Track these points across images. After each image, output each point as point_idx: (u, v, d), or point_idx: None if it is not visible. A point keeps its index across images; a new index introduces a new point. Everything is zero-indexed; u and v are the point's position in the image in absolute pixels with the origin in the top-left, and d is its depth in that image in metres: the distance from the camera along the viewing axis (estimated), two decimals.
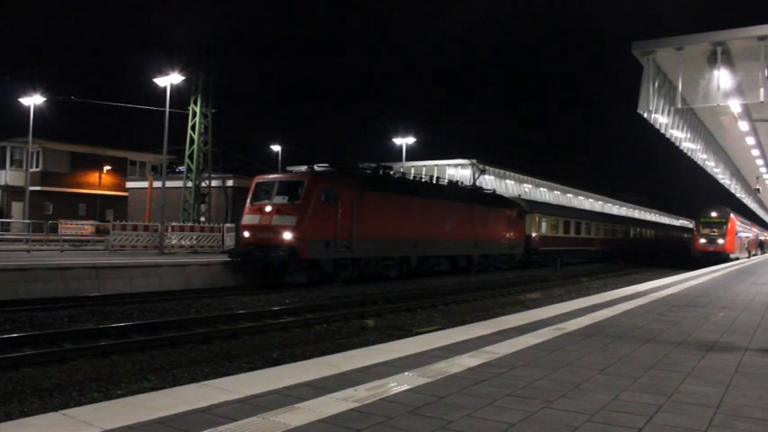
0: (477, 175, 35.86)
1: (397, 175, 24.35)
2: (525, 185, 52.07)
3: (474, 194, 28.66)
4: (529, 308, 13.22)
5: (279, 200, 19.00)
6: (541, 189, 54.65)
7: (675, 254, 60.47)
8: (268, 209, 18.88)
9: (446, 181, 28.45)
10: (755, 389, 4.86)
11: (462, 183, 31.13)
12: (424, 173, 45.67)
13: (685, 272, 24.85)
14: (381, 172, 23.30)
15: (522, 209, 32.39)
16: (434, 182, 26.79)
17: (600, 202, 67.37)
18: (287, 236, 18.12)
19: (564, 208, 46.09)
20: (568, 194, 60.10)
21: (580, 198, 62.88)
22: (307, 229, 18.23)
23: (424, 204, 23.47)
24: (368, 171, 22.79)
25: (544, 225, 35.46)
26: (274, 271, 18.38)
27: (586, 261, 41.47)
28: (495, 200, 30.30)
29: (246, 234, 19.33)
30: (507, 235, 30.06)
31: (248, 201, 19.84)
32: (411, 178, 25.44)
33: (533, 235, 33.76)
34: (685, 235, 74.81)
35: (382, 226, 20.93)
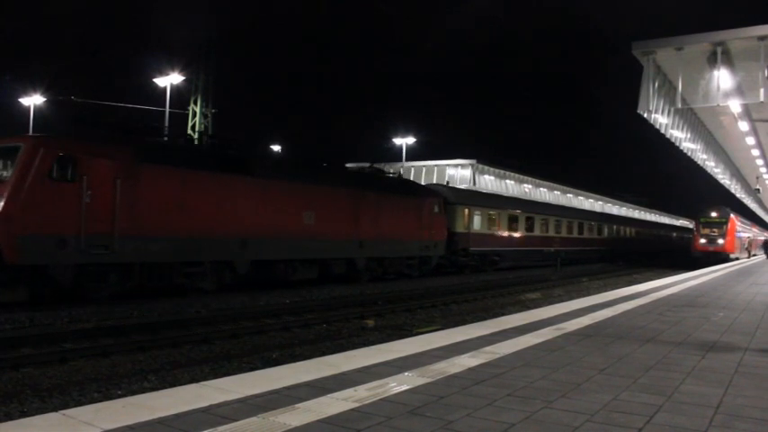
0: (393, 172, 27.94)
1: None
2: (525, 185, 52.10)
3: (362, 178, 21.92)
4: (529, 308, 13.22)
5: None
6: (541, 189, 54.66)
7: (669, 255, 56.16)
8: None
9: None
10: (755, 389, 4.86)
11: (369, 169, 24.25)
12: (423, 173, 45.92)
13: (685, 272, 24.84)
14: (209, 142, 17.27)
15: (446, 199, 25.85)
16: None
17: (600, 203, 67.37)
18: None
19: (509, 199, 37.87)
20: (568, 194, 60.12)
21: (580, 198, 62.88)
22: (17, 217, 12.09)
23: (264, 187, 16.82)
24: (155, 138, 16.27)
25: (478, 220, 28.51)
26: None
27: (543, 264, 35.43)
28: (399, 187, 23.69)
29: None
30: (419, 232, 23.20)
31: None
32: (238, 151, 17.87)
33: (462, 232, 26.92)
34: (674, 234, 73.92)
35: (177, 216, 14.54)
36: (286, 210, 17.47)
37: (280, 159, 20.84)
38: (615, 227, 48.64)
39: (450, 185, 35.18)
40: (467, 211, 27.50)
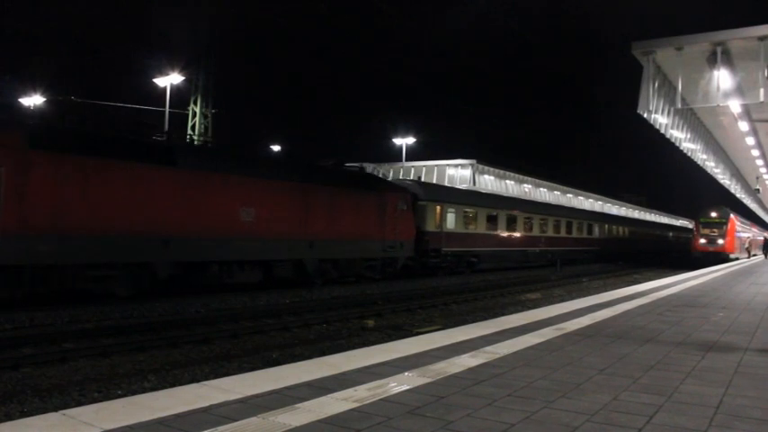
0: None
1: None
2: (525, 186, 52.10)
3: (314, 171, 19.68)
4: (529, 308, 13.23)
5: None
6: (541, 189, 54.67)
7: (665, 256, 55.28)
8: None
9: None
10: (755, 389, 4.86)
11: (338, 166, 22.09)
12: (423, 173, 45.92)
13: (685, 272, 24.85)
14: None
15: (415, 196, 23.93)
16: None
17: (599, 203, 67.38)
18: None
19: (488, 196, 35.21)
20: (568, 194, 60.12)
21: (580, 198, 62.88)
22: None
23: (191, 180, 14.97)
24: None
25: (452, 218, 26.34)
26: None
27: (528, 266, 34.01)
28: (359, 181, 21.42)
29: None
30: (381, 231, 21.08)
31: None
32: (164, 136, 16.60)
33: (433, 231, 24.87)
34: (671, 234, 73.36)
35: (78, 212, 12.74)
36: (219, 205, 15.56)
37: (213, 149, 18.50)
38: (607, 226, 46.91)
39: (423, 181, 33.44)
40: (439, 208, 25.46)
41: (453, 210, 26.45)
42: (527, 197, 46.28)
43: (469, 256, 27.65)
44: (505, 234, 30.92)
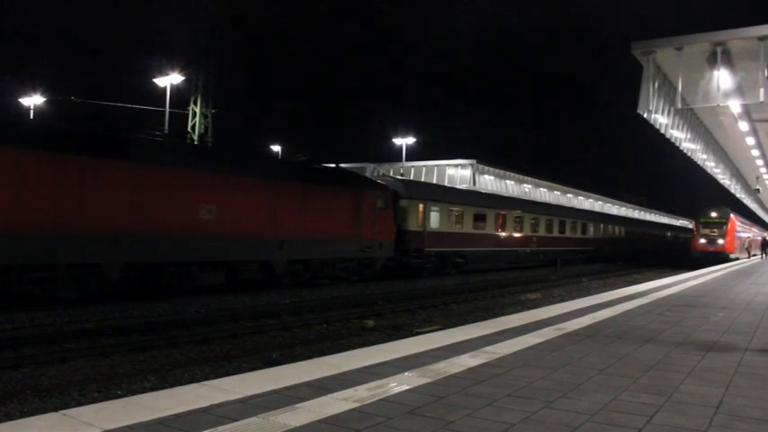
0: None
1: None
2: (525, 186, 52.10)
3: (283, 167, 18.98)
4: (529, 308, 13.23)
5: None
6: (541, 189, 54.69)
7: (663, 257, 54.12)
8: None
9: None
10: (755, 389, 4.86)
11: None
12: (423, 173, 45.94)
13: (685, 272, 24.85)
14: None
15: (396, 193, 22.89)
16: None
17: (599, 203, 67.41)
18: None
19: (476, 194, 33.48)
20: (568, 194, 60.14)
21: (580, 198, 62.90)
22: None
23: (144, 174, 14.05)
24: None
25: (436, 217, 25.16)
26: None
27: (517, 267, 32.79)
28: (333, 178, 20.36)
29: None
30: (358, 230, 20.05)
31: None
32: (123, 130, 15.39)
33: (416, 230, 23.69)
34: (669, 234, 73.02)
35: (6, 209, 11.86)
36: (176, 202, 14.54)
37: (172, 143, 17.08)
38: (603, 225, 45.84)
39: (405, 178, 32.24)
40: (422, 206, 24.21)
41: (438, 208, 25.35)
42: (527, 197, 46.20)
43: (455, 256, 26.55)
44: (494, 233, 29.84)
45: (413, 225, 23.61)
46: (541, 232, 34.84)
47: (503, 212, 30.89)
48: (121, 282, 13.90)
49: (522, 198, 42.85)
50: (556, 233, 36.78)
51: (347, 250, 19.78)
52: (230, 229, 15.70)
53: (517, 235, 32.12)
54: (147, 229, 13.93)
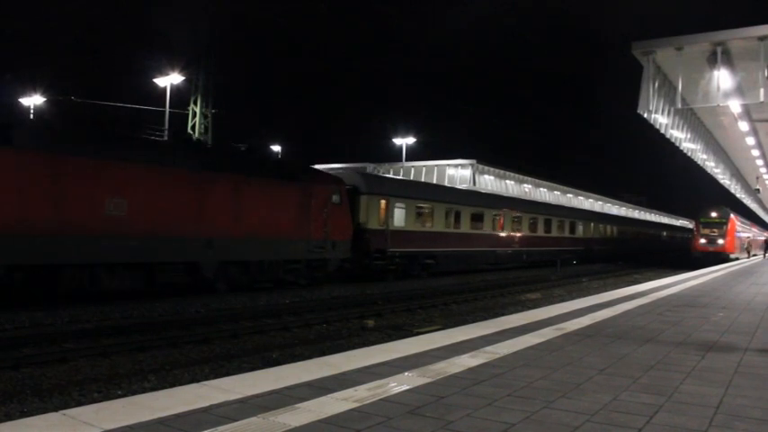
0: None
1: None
2: (525, 185, 52.08)
3: (213, 156, 17.11)
4: (529, 308, 13.24)
5: None
6: (541, 189, 54.67)
7: (660, 258, 51.89)
8: None
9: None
10: (755, 389, 4.87)
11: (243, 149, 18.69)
12: (423, 173, 45.93)
13: (685, 272, 24.86)
14: None
15: (355, 188, 21.04)
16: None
17: (599, 203, 67.40)
18: None
19: (447, 190, 30.83)
20: (568, 194, 60.13)
21: (580, 198, 62.90)
22: None
23: (34, 164, 12.22)
24: None
25: (401, 214, 22.98)
26: None
27: (498, 268, 30.64)
28: (276, 170, 18.17)
29: None
30: (306, 228, 18.04)
31: None
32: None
33: (377, 228, 21.59)
34: (665, 233, 72.50)
35: None
36: (75, 195, 12.75)
37: (72, 129, 14.98)
38: (593, 224, 43.58)
39: (367, 172, 30.53)
40: (384, 202, 22.03)
41: (403, 205, 23.02)
42: (527, 197, 46.16)
43: (424, 257, 24.31)
44: (469, 233, 27.40)
45: (373, 223, 21.58)
46: (525, 231, 32.85)
47: (479, 210, 28.58)
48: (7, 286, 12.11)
49: (503, 195, 40.81)
50: (541, 232, 34.95)
51: (293, 251, 17.81)
52: (144, 226, 13.91)
53: (496, 234, 30.02)
54: (37, 226, 12.08)
